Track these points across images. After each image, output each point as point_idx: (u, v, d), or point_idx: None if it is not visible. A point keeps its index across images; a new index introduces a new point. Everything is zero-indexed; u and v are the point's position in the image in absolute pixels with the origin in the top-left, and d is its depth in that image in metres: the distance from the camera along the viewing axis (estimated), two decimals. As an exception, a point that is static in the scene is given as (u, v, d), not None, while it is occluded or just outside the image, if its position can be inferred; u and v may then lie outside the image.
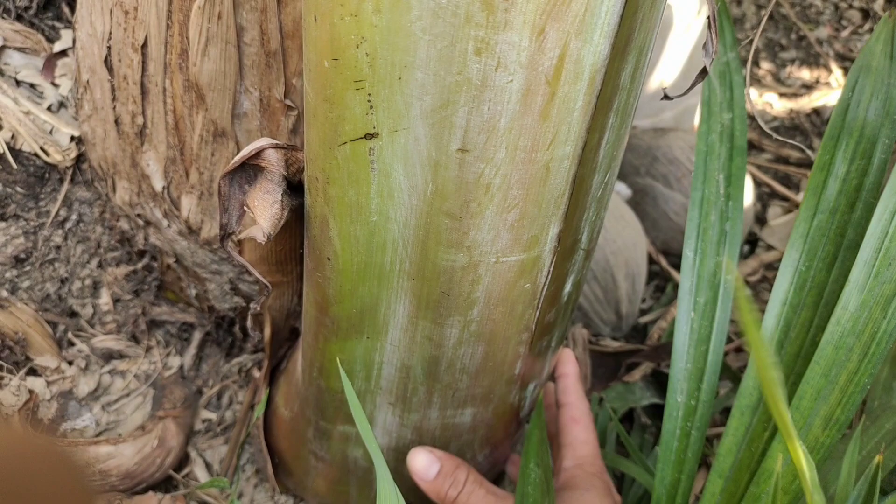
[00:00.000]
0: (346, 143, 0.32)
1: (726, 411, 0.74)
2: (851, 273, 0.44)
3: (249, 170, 0.38)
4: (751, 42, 1.11)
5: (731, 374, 0.70)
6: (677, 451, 0.54)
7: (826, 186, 0.51)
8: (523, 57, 0.27)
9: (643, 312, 0.85)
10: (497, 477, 0.66)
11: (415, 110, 0.30)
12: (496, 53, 0.27)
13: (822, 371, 0.44)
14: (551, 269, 0.39)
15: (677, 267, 0.87)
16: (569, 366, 0.58)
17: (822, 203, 0.51)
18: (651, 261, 0.87)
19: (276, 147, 0.37)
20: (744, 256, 0.90)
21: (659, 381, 0.76)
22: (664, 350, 0.75)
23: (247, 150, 0.37)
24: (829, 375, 0.43)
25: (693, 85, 0.37)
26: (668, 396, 0.55)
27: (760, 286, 0.87)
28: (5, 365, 0.63)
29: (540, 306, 0.42)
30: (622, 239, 0.79)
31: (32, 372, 0.65)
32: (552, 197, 0.34)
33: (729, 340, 0.80)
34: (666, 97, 0.38)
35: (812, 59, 1.13)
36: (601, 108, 0.31)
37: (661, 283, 0.87)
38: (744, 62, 1.12)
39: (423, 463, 0.47)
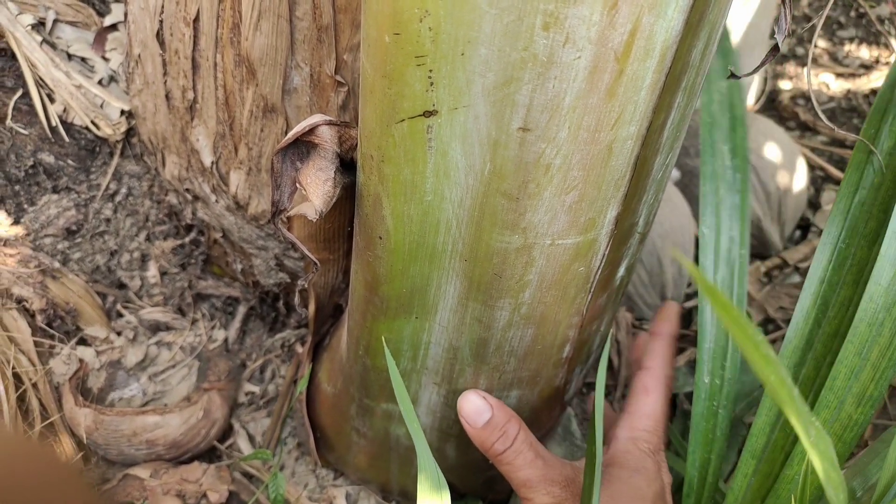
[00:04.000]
0: (403, 120, 0.31)
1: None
2: (883, 246, 0.43)
3: (302, 146, 0.38)
4: (810, 20, 1.07)
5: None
6: (705, 432, 0.53)
7: (870, 162, 0.50)
8: (593, 32, 0.26)
9: (688, 297, 0.83)
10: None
11: (476, 87, 0.29)
12: (565, 28, 0.26)
13: (856, 350, 0.42)
14: (606, 252, 0.38)
15: (725, 251, 0.84)
16: (666, 325, 0.54)
17: (866, 179, 0.49)
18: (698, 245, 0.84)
19: (330, 124, 0.37)
20: (795, 242, 0.87)
21: (703, 368, 0.74)
22: (710, 336, 0.73)
23: (300, 127, 0.36)
24: (862, 353, 0.42)
25: (762, 64, 0.36)
26: (696, 378, 0.54)
27: (811, 273, 0.84)
28: (57, 334, 0.65)
29: (592, 290, 0.41)
30: (669, 222, 0.77)
31: (82, 342, 0.67)
32: (613, 179, 0.33)
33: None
34: (733, 76, 0.37)
35: (872, 38, 1.08)
36: (669, 87, 0.30)
37: (708, 268, 0.85)
38: (800, 40, 1.08)
39: (474, 407, 0.45)
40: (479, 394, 0.45)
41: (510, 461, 0.45)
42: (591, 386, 0.76)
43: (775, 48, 0.34)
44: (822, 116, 0.43)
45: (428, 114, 0.30)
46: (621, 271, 0.43)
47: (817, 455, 0.27)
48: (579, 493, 0.45)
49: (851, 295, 0.48)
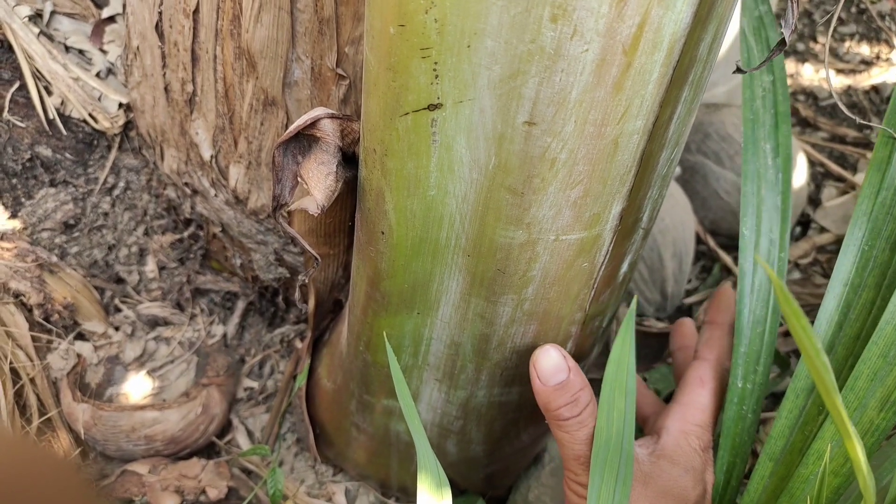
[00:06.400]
0: (407, 113, 0.31)
1: (772, 396, 0.73)
2: None
3: (304, 140, 0.37)
4: (810, 16, 1.07)
5: (780, 359, 0.68)
6: (734, 437, 0.53)
7: (891, 162, 0.49)
8: (601, 25, 0.26)
9: (689, 293, 0.83)
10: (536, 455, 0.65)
11: (482, 80, 0.28)
12: (573, 20, 0.26)
13: (881, 351, 0.42)
14: (611, 248, 0.38)
15: (725, 247, 0.84)
16: (724, 314, 0.51)
17: (887, 180, 0.49)
18: (699, 240, 0.84)
19: (332, 117, 0.36)
20: (795, 238, 0.87)
21: (704, 364, 0.74)
22: (710, 332, 0.73)
23: (302, 120, 0.36)
24: (888, 356, 0.42)
25: (769, 58, 0.35)
26: (730, 382, 0.53)
27: (812, 269, 0.84)
28: (54, 329, 0.64)
29: (595, 286, 0.41)
30: (670, 218, 0.77)
31: (80, 336, 0.66)
32: (618, 173, 0.33)
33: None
34: (739, 70, 0.37)
35: (873, 34, 1.08)
36: (676, 81, 0.30)
37: (709, 264, 0.85)
38: (801, 36, 1.07)
39: (553, 364, 0.41)
40: (559, 350, 0.41)
41: (572, 431, 0.42)
42: (593, 382, 0.76)
43: (782, 42, 0.34)
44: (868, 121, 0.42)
45: (432, 107, 0.30)
46: (625, 267, 0.43)
47: (860, 450, 0.27)
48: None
49: (875, 297, 0.47)
